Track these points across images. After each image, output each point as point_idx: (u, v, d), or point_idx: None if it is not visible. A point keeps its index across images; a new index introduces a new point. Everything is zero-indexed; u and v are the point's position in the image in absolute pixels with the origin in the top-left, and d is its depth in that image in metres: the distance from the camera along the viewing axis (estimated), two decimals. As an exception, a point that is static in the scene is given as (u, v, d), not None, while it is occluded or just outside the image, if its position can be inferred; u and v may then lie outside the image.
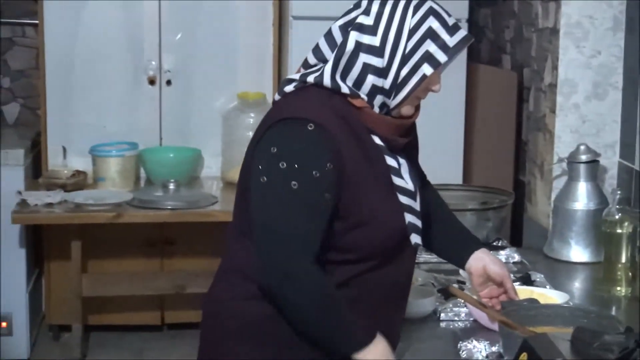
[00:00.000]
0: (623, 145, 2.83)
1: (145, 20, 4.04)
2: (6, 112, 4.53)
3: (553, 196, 2.80)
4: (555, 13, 2.85)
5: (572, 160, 2.69)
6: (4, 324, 3.91)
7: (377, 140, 1.74)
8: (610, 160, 2.84)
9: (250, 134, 4.05)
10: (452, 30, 1.70)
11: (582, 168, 2.67)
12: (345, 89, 1.70)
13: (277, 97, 1.80)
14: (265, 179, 1.66)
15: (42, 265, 4.13)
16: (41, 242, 4.09)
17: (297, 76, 1.77)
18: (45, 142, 4.06)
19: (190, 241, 4.02)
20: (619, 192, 2.49)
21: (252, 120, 4.02)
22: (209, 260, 3.88)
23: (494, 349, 1.91)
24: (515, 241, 3.02)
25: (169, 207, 3.73)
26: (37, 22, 4.11)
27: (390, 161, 1.75)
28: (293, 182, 1.63)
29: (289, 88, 1.77)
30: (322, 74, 1.71)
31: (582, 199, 2.65)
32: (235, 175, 4.01)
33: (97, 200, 3.72)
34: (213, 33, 4.09)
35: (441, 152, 3.67)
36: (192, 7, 4.05)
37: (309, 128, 1.65)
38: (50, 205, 3.66)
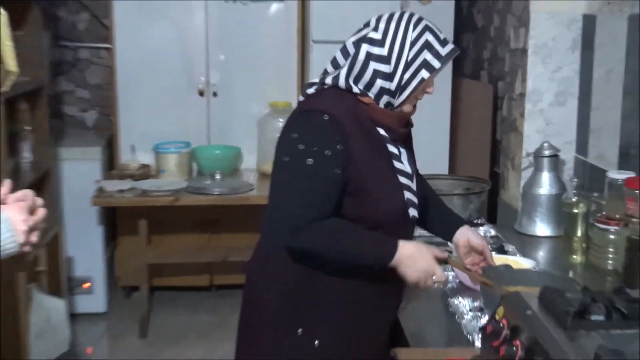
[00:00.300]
0: (578, 142, 2.82)
1: (195, 45, 4.03)
2: (87, 118, 4.56)
3: (522, 183, 2.79)
4: (524, 36, 2.83)
5: (537, 155, 2.68)
6: (86, 285, 3.93)
7: (381, 131, 1.75)
8: (569, 155, 2.83)
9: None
10: (443, 43, 1.72)
11: (546, 161, 2.66)
12: (356, 90, 1.72)
13: (300, 98, 1.82)
14: (287, 158, 1.67)
15: (115, 239, 4.15)
16: (115, 220, 4.10)
17: (317, 80, 1.78)
18: (118, 142, 4.06)
19: (233, 219, 4.03)
20: (575, 180, 2.49)
21: (280, 123, 3.99)
22: (247, 234, 3.88)
23: (475, 304, 1.94)
24: (492, 219, 3.01)
25: (216, 193, 3.73)
26: (109, 46, 4.11)
27: (392, 149, 1.77)
28: (309, 160, 1.65)
29: (310, 90, 1.79)
30: (337, 77, 1.73)
31: (545, 186, 2.63)
32: (268, 168, 4.03)
33: (159, 187, 3.73)
34: (249, 55, 4.07)
35: (431, 148, 3.67)
36: (232, 35, 4.04)
37: (324, 118, 1.68)
38: (122, 191, 3.67)
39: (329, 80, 1.74)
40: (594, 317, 1.43)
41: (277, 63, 4.10)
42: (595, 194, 2.46)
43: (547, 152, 2.66)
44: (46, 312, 2.81)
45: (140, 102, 4.04)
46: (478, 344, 1.70)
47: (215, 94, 4.07)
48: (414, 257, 1.69)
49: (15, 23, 2.68)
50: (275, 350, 1.78)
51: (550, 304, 1.49)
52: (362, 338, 1.81)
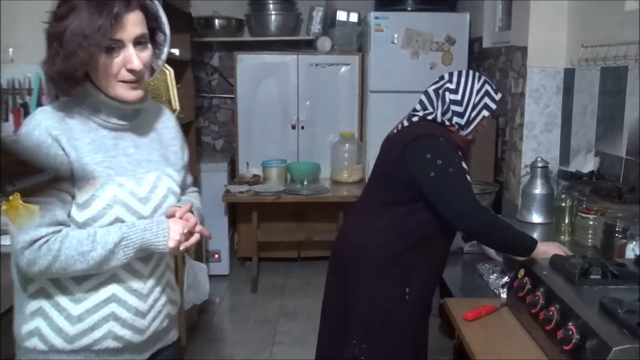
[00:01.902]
0: (561, 158, 2.71)
1: (290, 95, 4.04)
2: (216, 144, 4.61)
3: (521, 187, 2.69)
4: (522, 84, 2.74)
5: (533, 167, 2.58)
6: (216, 256, 3.96)
7: (459, 152, 1.69)
8: (554, 167, 2.71)
9: (346, 155, 4.05)
10: (496, 92, 1.69)
11: (539, 171, 2.55)
12: (446, 123, 1.68)
13: (405, 123, 1.74)
14: (433, 174, 1.59)
15: (235, 225, 4.16)
16: (235, 212, 4.12)
17: (419, 114, 1.72)
18: (237, 160, 4.09)
19: (314, 212, 3.99)
20: (563, 182, 2.39)
21: (347, 147, 3.99)
22: (324, 223, 3.89)
23: (496, 267, 1.85)
24: (497, 212, 2.90)
25: (304, 194, 3.72)
26: (232, 96, 4.16)
27: (464, 165, 1.70)
28: (450, 169, 1.59)
29: (414, 119, 1.72)
30: (436, 115, 1.69)
31: (539, 188, 2.52)
32: (338, 177, 4.00)
33: (265, 190, 3.73)
34: (327, 100, 4.06)
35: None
36: (315, 87, 4.03)
37: (441, 139, 1.63)
38: (241, 192, 3.70)
39: (430, 117, 1.70)
40: (593, 277, 1.36)
41: (344, 106, 4.08)
42: (575, 193, 2.36)
43: (540, 165, 2.56)
44: (194, 272, 2.81)
45: (253, 133, 4.06)
46: (503, 295, 1.63)
47: (302, 127, 4.07)
48: (547, 254, 1.59)
49: (176, 79, 2.72)
50: (383, 298, 1.71)
51: (559, 267, 1.42)
52: (430, 291, 1.75)
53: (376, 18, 3.69)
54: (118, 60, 1.16)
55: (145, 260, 1.27)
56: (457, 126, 1.67)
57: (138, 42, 1.17)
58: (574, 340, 1.12)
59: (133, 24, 1.15)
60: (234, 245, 4.22)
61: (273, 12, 4.06)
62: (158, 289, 1.31)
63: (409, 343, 1.71)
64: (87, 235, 1.16)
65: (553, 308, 1.24)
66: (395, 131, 1.75)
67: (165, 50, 2.14)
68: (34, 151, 1.13)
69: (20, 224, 1.10)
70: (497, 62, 3.55)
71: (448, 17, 3.76)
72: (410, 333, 1.72)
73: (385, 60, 3.71)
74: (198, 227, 1.26)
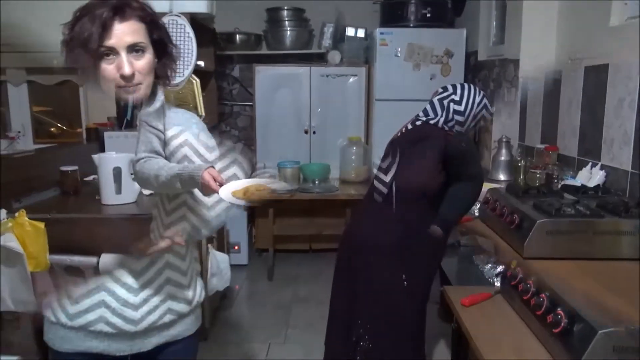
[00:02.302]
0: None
1: (303, 103, 4.04)
2: (236, 148, 4.61)
3: (491, 155, 2.67)
4: (514, 93, 2.73)
5: (499, 141, 2.56)
6: (236, 247, 3.97)
7: None
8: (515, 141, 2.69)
9: (354, 157, 4.05)
10: (490, 105, 1.73)
11: (504, 144, 2.52)
12: (446, 128, 1.70)
13: (409, 126, 1.77)
14: (432, 167, 1.66)
15: (254, 219, 4.17)
16: (253, 208, 4.11)
17: (422, 119, 1.74)
18: (255, 161, 4.09)
19: (324, 209, 3.98)
20: (519, 150, 2.35)
21: (354, 150, 3.99)
22: (333, 218, 3.87)
23: (490, 259, 1.83)
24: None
25: (315, 192, 3.72)
26: (251, 104, 4.17)
27: None
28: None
29: (418, 123, 1.75)
30: (438, 121, 1.71)
31: (503, 156, 2.57)
32: (346, 177, 3.99)
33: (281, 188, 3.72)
34: (336, 108, 4.06)
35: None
36: (325, 96, 4.03)
37: (442, 140, 1.67)
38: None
39: (432, 121, 1.73)
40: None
41: (352, 113, 4.07)
42: (529, 158, 2.44)
43: (504, 140, 2.57)
44: (217, 261, 2.84)
45: (269, 138, 4.07)
46: (497, 284, 1.62)
47: (314, 132, 4.07)
48: None
49: (202, 88, 2.74)
50: (384, 284, 1.73)
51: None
52: (429, 279, 1.75)
53: (381, 33, 3.70)
54: (112, 66, 1.14)
55: (136, 258, 1.25)
56: (455, 132, 1.68)
57: (134, 50, 1.15)
58: (562, 324, 1.12)
59: (125, 33, 1.13)
60: (252, 238, 4.23)
61: (288, 28, 4.08)
62: (154, 286, 1.26)
63: (409, 326, 1.72)
64: (163, 164, 1.17)
65: (543, 295, 1.24)
66: (399, 134, 1.76)
67: (192, 62, 2.15)
68: None
69: (27, 241, 1.10)
70: (491, 73, 3.54)
71: (447, 33, 3.75)
72: (411, 317, 1.72)
73: (389, 72, 3.71)
74: (169, 233, 1.19)
